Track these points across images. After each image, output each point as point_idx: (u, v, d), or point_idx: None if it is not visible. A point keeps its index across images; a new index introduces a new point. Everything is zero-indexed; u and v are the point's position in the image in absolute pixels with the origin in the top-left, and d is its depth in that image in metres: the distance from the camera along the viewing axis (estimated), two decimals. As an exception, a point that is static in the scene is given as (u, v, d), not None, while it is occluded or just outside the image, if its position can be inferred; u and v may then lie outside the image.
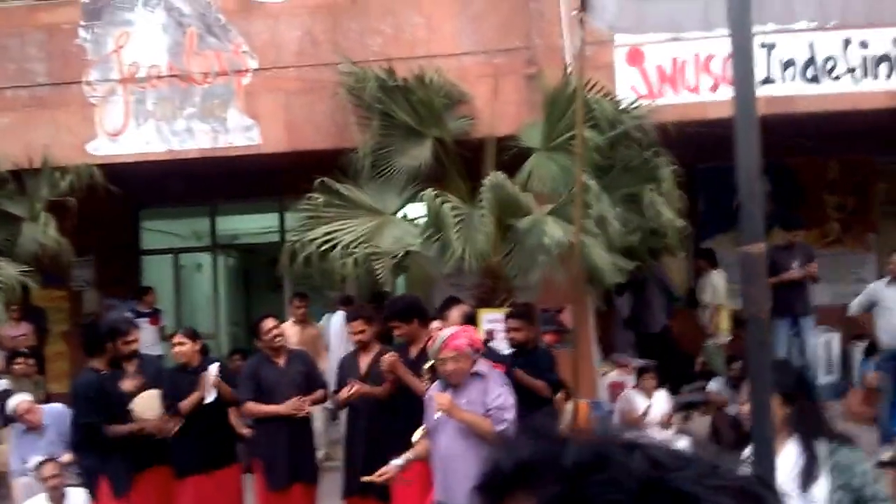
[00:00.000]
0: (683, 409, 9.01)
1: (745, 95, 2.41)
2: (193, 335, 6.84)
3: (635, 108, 8.42)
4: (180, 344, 6.68)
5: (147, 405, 6.22)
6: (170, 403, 6.39)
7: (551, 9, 8.97)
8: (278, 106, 9.25)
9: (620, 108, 8.34)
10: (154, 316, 11.29)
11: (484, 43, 9.13)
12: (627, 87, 8.90)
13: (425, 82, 8.61)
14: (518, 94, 9.04)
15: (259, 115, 9.26)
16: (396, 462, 4.79)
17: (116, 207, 10.67)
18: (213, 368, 6.50)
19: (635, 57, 8.98)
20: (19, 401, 7.46)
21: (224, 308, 13.56)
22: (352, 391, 5.75)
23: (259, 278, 14.19)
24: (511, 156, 8.36)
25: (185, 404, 6.42)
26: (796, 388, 3.14)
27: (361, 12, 9.28)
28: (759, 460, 2.47)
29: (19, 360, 9.06)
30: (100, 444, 6.07)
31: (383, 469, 4.78)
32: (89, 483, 6.09)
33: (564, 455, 0.68)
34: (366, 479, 4.91)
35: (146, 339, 9.76)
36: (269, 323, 6.44)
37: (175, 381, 6.59)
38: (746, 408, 2.91)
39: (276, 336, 6.38)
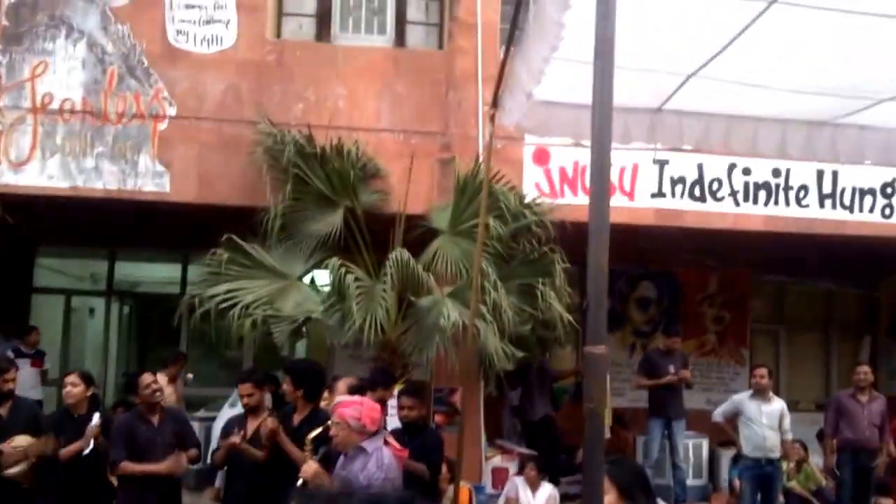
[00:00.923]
0: (564, 500, 9.14)
1: (599, 205, 2.63)
2: (88, 380, 6.60)
3: (538, 204, 8.81)
4: (73, 385, 6.45)
5: (15, 451, 5.96)
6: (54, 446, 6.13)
7: (468, 100, 9.36)
8: (192, 156, 9.21)
9: (525, 202, 8.70)
10: (37, 358, 10.86)
11: (403, 123, 9.37)
12: (532, 184, 9.28)
13: (342, 152, 8.76)
14: (431, 177, 9.28)
15: (172, 162, 9.19)
16: None
17: (12, 241, 10.35)
18: (97, 419, 6.30)
19: (541, 156, 9.40)
20: None
21: (114, 357, 13.16)
22: (231, 441, 5.66)
23: (154, 330, 13.86)
24: (418, 234, 8.55)
25: (66, 452, 6.18)
26: (635, 483, 3.27)
27: (287, 76, 9.41)
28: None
29: None
30: None
31: None
32: None
33: None
34: None
35: (25, 380, 9.39)
36: (148, 378, 6.28)
37: (58, 424, 6.36)
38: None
39: (154, 392, 6.23)
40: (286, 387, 5.76)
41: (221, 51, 9.43)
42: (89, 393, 6.58)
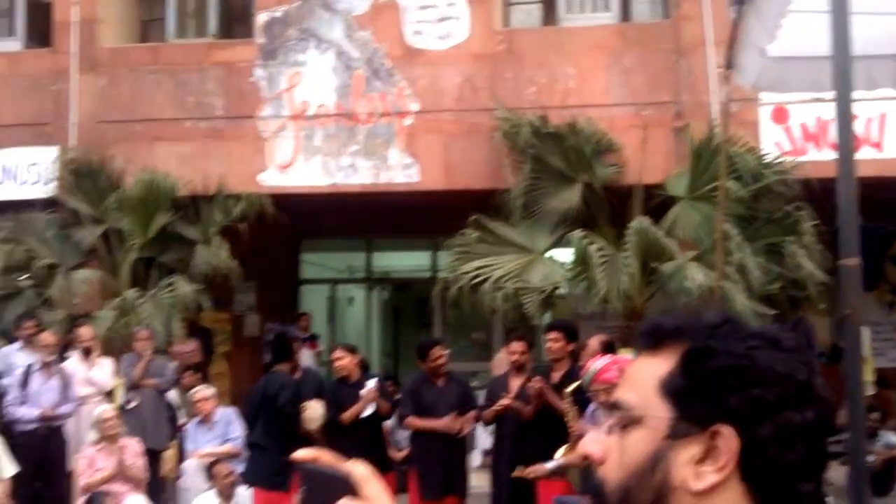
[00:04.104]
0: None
1: (845, 159, 2.62)
2: (352, 350, 7.41)
3: (779, 163, 8.63)
4: (340, 358, 7.25)
5: (312, 414, 6.79)
6: (332, 414, 6.94)
7: (699, 66, 9.29)
8: (437, 147, 9.82)
9: (763, 162, 8.56)
10: (312, 341, 11.93)
11: (633, 96, 9.49)
12: (771, 143, 9.08)
13: (576, 130, 9.04)
14: (665, 146, 9.34)
15: (418, 154, 9.84)
16: (547, 465, 5.13)
17: (280, 237, 11.45)
18: (372, 383, 7.05)
19: (780, 115, 9.17)
20: (200, 390, 8.36)
21: (376, 341, 14.17)
22: (501, 404, 6.19)
23: (408, 314, 14.76)
24: (656, 204, 8.67)
25: (347, 415, 6.96)
26: None
27: (518, 63, 9.80)
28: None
29: (187, 373, 9.81)
30: (295, 440, 6.49)
31: (534, 467, 5.13)
32: (283, 476, 6.57)
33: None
34: (516, 473, 5.29)
35: (304, 360, 10.42)
36: (438, 351, 6.98)
37: (337, 392, 7.17)
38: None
39: (439, 359, 6.91)
40: (553, 343, 6.16)
41: (455, 45, 9.95)
42: (356, 360, 7.35)
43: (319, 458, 1.05)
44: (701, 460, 1.01)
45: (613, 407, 1.10)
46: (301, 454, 1.06)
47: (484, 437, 9.25)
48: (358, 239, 13.14)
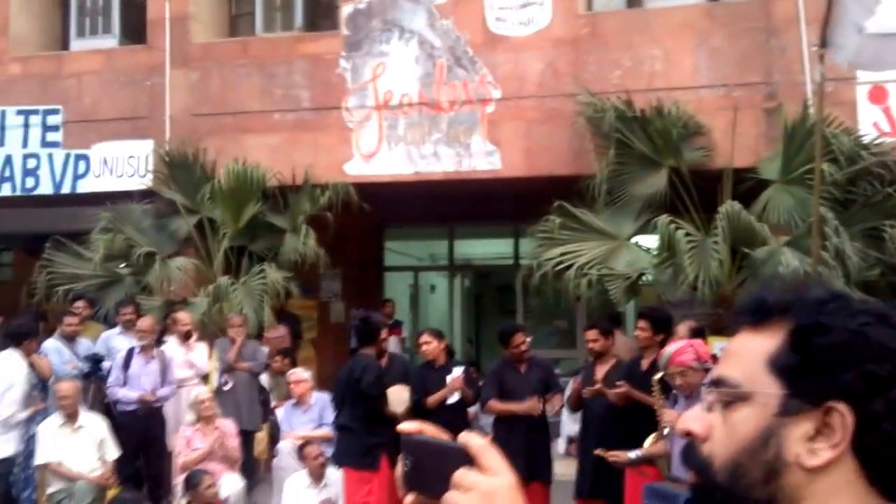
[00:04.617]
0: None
1: None
2: (438, 335, 7.48)
3: (877, 144, 8.32)
4: (427, 343, 7.33)
5: (397, 398, 6.88)
6: (418, 398, 7.03)
7: (793, 45, 9.01)
8: (519, 133, 9.81)
9: (861, 143, 8.27)
10: (396, 327, 12.08)
11: (723, 77, 9.28)
12: (869, 124, 8.76)
13: (663, 113, 8.89)
14: (756, 128, 9.11)
15: (500, 141, 9.84)
16: (631, 454, 5.12)
17: (365, 225, 11.61)
18: (458, 372, 7.11)
19: (878, 94, 8.83)
20: (296, 373, 8.62)
21: (458, 327, 14.28)
22: (590, 389, 6.19)
23: (490, 302, 14.82)
24: (746, 187, 8.47)
25: (432, 399, 7.05)
26: None
27: (601, 46, 9.70)
28: None
29: (278, 358, 10.05)
30: (382, 421, 6.65)
31: (616, 453, 5.11)
32: (373, 456, 6.73)
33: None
34: (598, 452, 5.30)
35: (390, 346, 10.55)
36: (520, 337, 7.00)
37: (422, 376, 7.25)
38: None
39: (521, 345, 6.92)
40: (641, 333, 6.14)
41: (537, 31, 9.90)
42: (442, 346, 7.41)
43: (424, 430, 1.07)
44: (814, 437, 1.01)
45: (715, 384, 1.09)
46: (406, 426, 1.07)
47: (569, 425, 9.23)
48: (440, 226, 13.24)
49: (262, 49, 10.87)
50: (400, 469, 1.06)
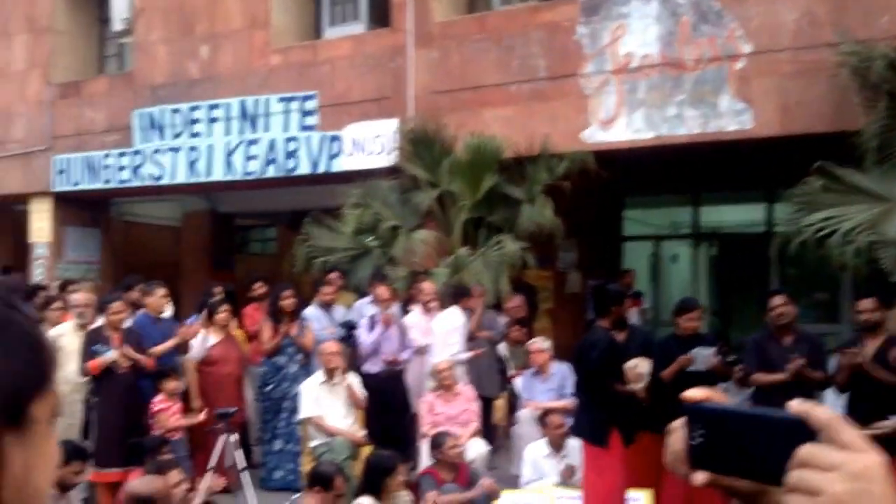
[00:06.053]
0: None
1: None
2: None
3: None
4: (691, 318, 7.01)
5: (638, 371, 6.60)
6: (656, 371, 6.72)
7: None
8: (772, 89, 9.10)
9: None
10: (635, 298, 11.76)
11: None
12: None
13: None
14: None
15: (752, 99, 9.18)
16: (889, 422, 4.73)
17: (603, 193, 11.35)
18: (708, 351, 6.69)
19: None
20: (537, 342, 8.75)
21: (703, 299, 13.69)
22: (854, 362, 5.71)
23: (739, 272, 14.09)
24: None
25: (667, 373, 6.72)
26: None
27: (867, -11, 8.79)
28: None
29: (515, 327, 10.08)
30: (610, 398, 6.50)
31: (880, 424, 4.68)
32: (601, 432, 6.57)
33: None
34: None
35: (630, 319, 10.28)
36: (778, 300, 6.54)
37: (668, 349, 6.92)
38: None
39: (780, 314, 6.44)
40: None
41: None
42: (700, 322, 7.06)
43: (711, 397, 0.91)
44: None
45: None
46: (693, 393, 0.92)
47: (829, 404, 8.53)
48: (683, 194, 12.72)
49: (499, 22, 10.87)
50: (679, 443, 0.90)
